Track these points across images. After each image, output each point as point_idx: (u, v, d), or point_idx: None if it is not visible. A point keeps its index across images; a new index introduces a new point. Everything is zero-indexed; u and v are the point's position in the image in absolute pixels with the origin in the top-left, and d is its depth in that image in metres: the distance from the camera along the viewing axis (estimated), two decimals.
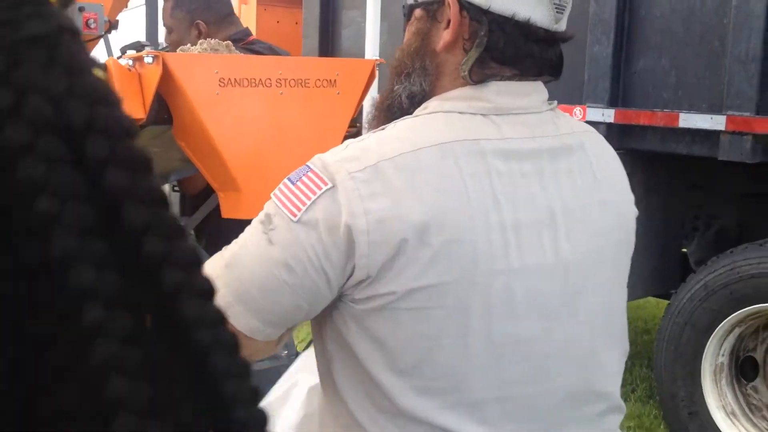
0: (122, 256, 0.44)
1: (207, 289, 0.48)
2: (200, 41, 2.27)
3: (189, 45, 2.31)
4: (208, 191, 2.72)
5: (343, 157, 1.27)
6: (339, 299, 1.28)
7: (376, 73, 2.41)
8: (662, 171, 4.40)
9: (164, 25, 3.23)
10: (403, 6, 1.45)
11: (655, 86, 4.03)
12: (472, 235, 1.23)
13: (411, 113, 1.38)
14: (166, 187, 3.25)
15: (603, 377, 1.42)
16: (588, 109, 4.18)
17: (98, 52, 4.35)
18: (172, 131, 2.19)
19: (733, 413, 4.05)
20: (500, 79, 1.34)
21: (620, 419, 1.47)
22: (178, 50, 2.30)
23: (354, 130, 2.43)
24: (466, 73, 1.33)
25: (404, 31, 1.46)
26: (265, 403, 1.72)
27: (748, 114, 3.63)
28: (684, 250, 4.93)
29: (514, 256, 1.27)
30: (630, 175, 1.51)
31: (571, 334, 1.35)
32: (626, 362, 4.91)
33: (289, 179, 1.29)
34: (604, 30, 4.12)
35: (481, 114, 1.32)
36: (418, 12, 1.40)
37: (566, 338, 1.34)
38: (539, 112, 1.38)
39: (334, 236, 1.22)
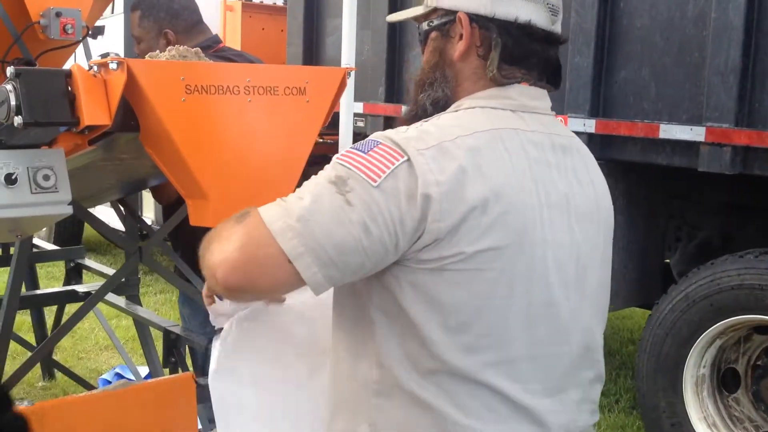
0: None
1: None
2: (169, 48, 2.26)
3: (158, 52, 2.29)
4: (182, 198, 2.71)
5: (408, 137, 1.42)
6: (398, 263, 1.42)
7: (347, 81, 2.38)
8: (644, 181, 4.40)
9: (132, 35, 3.21)
10: (419, 34, 1.66)
11: (635, 97, 4.02)
12: (522, 208, 1.43)
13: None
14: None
15: (597, 347, 1.63)
16: (569, 119, 4.17)
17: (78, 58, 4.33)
18: (139, 138, 2.17)
19: (715, 425, 4.04)
20: (519, 82, 1.55)
21: (601, 389, 1.67)
22: (146, 57, 2.29)
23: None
24: (495, 72, 1.53)
25: (422, 54, 1.66)
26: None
27: (727, 125, 3.63)
28: (667, 261, 4.93)
29: (548, 230, 1.47)
30: (611, 185, 1.68)
31: (579, 305, 1.55)
32: (611, 373, 4.89)
33: (357, 149, 1.42)
34: (585, 40, 4.12)
35: (510, 110, 1.53)
36: (433, 35, 1.61)
37: (576, 308, 1.54)
38: (550, 114, 1.61)
39: (411, 204, 1.37)
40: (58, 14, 2.71)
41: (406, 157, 1.38)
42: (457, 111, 1.53)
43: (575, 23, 4.16)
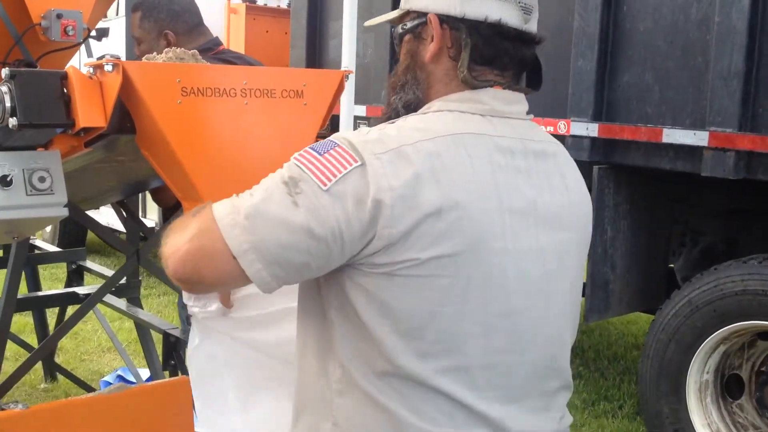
0: None
1: None
2: (166, 50, 2.25)
3: (155, 54, 2.29)
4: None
5: (368, 140, 1.42)
6: (352, 267, 1.42)
7: (345, 84, 2.37)
8: (648, 186, 4.38)
9: (133, 36, 3.21)
10: (394, 39, 1.65)
11: (638, 101, 4.01)
12: (479, 215, 1.41)
13: None
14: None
15: (563, 356, 1.61)
16: (572, 123, 4.16)
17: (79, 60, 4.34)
18: (135, 140, 2.16)
19: (719, 431, 4.01)
20: (493, 86, 1.53)
21: (567, 397, 1.65)
22: (143, 59, 2.28)
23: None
24: (465, 73, 1.51)
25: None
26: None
27: (730, 130, 3.61)
28: (671, 266, 4.91)
29: (510, 238, 1.45)
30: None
31: (543, 313, 1.53)
32: (615, 378, 4.88)
33: (313, 149, 1.42)
34: (588, 44, 4.11)
35: (480, 114, 1.51)
36: (407, 37, 1.60)
37: (540, 317, 1.52)
38: (523, 119, 1.58)
39: (360, 208, 1.37)
40: (59, 16, 2.71)
41: (359, 162, 1.38)
42: (425, 113, 1.52)
43: (578, 27, 4.14)
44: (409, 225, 1.36)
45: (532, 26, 1.56)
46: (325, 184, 1.38)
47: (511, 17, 1.51)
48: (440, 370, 1.43)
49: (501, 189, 1.45)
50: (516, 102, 1.57)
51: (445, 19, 1.52)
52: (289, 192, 1.40)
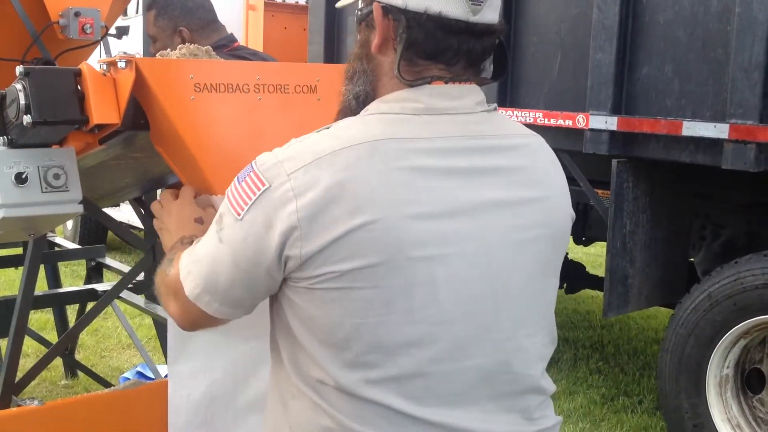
0: None
1: None
2: (180, 46, 2.24)
3: (169, 51, 2.28)
4: None
5: (282, 158, 1.40)
6: (283, 282, 1.43)
7: None
8: (668, 179, 4.35)
9: (148, 34, 3.21)
10: (355, 24, 1.59)
11: (658, 94, 3.98)
12: (396, 224, 1.35)
13: (359, 113, 1.51)
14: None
15: (522, 360, 1.51)
16: (591, 117, 4.13)
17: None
18: (149, 136, 2.16)
19: (739, 426, 3.99)
20: (431, 82, 1.46)
21: (540, 399, 1.57)
22: (157, 56, 2.28)
23: None
24: (397, 71, 1.44)
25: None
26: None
27: (751, 122, 3.57)
28: (691, 259, 4.87)
29: (436, 244, 1.38)
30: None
31: (490, 318, 1.45)
32: (634, 374, 4.85)
33: (237, 178, 1.45)
34: (607, 37, 4.08)
35: (414, 114, 1.44)
36: (362, 25, 1.53)
37: (484, 322, 1.45)
38: (471, 113, 1.49)
39: (270, 233, 1.37)
40: (77, 14, 2.73)
41: (266, 185, 1.38)
42: (357, 117, 1.48)
43: (597, 19, 4.12)
44: (321, 243, 1.35)
45: (485, 16, 1.44)
46: (239, 214, 1.40)
47: (453, 9, 1.41)
48: (371, 381, 1.40)
49: (424, 194, 1.38)
50: (460, 96, 1.48)
51: (389, 9, 1.44)
52: (217, 230, 1.46)
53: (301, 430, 1.47)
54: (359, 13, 1.52)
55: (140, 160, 2.61)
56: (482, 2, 1.43)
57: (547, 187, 1.54)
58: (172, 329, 2.07)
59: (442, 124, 1.45)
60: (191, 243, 1.59)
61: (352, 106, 1.52)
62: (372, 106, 1.48)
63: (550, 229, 1.53)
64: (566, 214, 1.59)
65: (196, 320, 1.55)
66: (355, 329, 1.38)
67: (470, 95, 1.49)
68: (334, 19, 5.69)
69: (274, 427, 1.55)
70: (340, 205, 1.34)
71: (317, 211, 1.34)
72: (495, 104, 1.54)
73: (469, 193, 1.43)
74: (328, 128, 1.45)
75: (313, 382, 1.44)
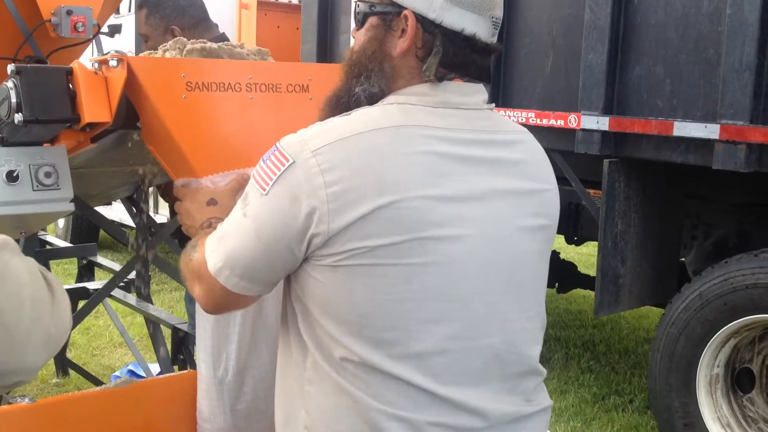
0: None
1: None
2: (172, 41, 2.23)
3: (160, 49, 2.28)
4: None
5: (306, 137, 1.47)
6: (306, 259, 1.48)
7: None
8: (659, 180, 4.36)
9: (140, 33, 3.21)
10: (356, 12, 1.63)
11: (649, 94, 3.99)
12: (420, 204, 1.43)
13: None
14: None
15: (525, 342, 1.61)
16: (582, 117, 4.14)
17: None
18: (141, 135, 2.16)
19: (729, 425, 4.00)
20: (450, 79, 1.56)
21: (537, 381, 1.66)
22: (148, 53, 2.28)
23: None
24: (432, 77, 1.53)
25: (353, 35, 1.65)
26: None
27: (742, 123, 3.59)
28: (682, 259, 4.89)
29: (456, 224, 1.47)
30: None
31: (500, 299, 1.55)
32: (625, 373, 4.85)
33: (262, 159, 1.51)
34: (599, 37, 4.09)
35: (431, 106, 1.53)
36: (374, 20, 1.58)
37: (495, 302, 1.54)
38: (479, 109, 1.59)
39: (296, 207, 1.42)
40: (69, 12, 2.72)
41: (291, 161, 1.43)
42: (376, 106, 1.55)
43: (589, 20, 4.13)
44: (348, 219, 1.41)
45: (495, 38, 1.59)
46: (264, 189, 1.46)
47: (483, 32, 1.54)
48: (394, 357, 1.46)
49: (445, 177, 1.47)
50: (472, 93, 1.59)
51: (420, 20, 1.52)
52: (242, 206, 1.52)
53: (319, 412, 1.52)
54: (373, 8, 1.58)
55: (132, 158, 2.61)
56: (498, 27, 1.58)
57: (544, 181, 1.65)
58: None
59: (455, 117, 1.54)
60: (210, 227, 1.69)
61: (362, 104, 1.57)
62: (390, 98, 1.56)
63: (547, 219, 1.64)
64: (558, 207, 1.69)
65: (219, 300, 1.59)
66: (376, 306, 1.44)
67: (479, 93, 1.60)
68: (327, 18, 5.69)
69: (286, 417, 1.60)
70: (368, 183, 1.41)
71: (346, 187, 1.41)
72: (494, 103, 1.65)
73: (481, 180, 1.52)
74: (349, 114, 1.52)
75: (336, 361, 1.48)
